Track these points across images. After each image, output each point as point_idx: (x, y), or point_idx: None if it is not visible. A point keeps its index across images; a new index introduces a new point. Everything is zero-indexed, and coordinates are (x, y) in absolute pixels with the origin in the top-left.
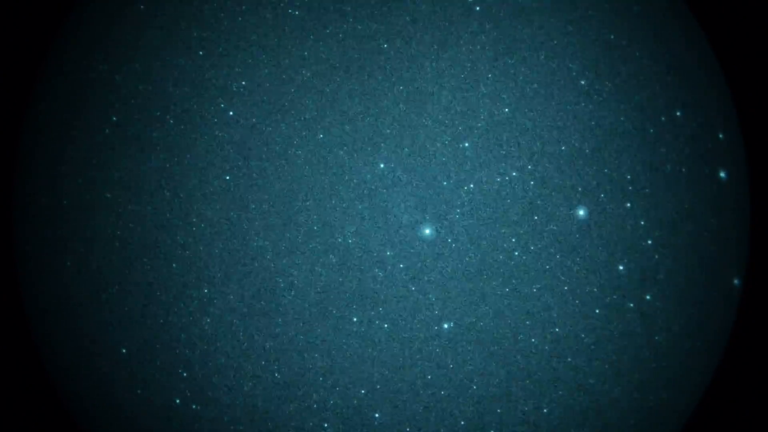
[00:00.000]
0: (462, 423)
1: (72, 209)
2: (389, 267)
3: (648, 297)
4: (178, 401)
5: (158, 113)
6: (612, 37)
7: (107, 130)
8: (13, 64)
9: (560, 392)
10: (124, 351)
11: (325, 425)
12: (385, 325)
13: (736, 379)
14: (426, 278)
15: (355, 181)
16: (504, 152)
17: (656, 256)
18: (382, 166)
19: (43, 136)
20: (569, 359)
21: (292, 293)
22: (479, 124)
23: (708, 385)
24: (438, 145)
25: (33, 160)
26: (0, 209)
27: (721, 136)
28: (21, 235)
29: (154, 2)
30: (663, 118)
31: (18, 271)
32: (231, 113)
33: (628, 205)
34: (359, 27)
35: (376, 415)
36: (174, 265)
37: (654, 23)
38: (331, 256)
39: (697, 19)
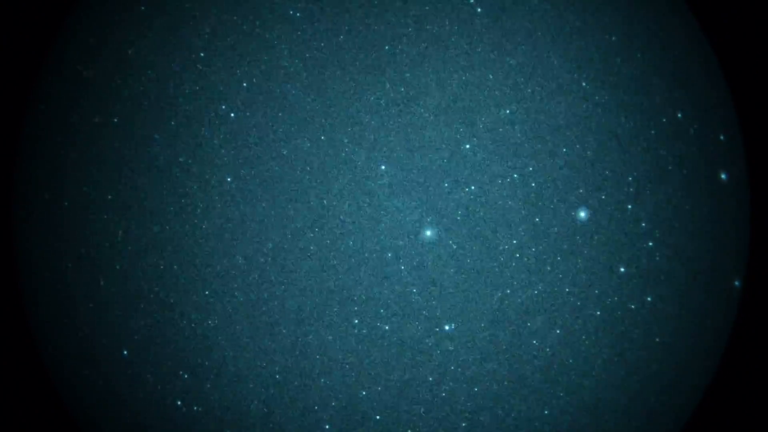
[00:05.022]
0: (463, 425)
1: (72, 209)
2: (390, 269)
3: (649, 299)
4: (179, 403)
5: (158, 114)
6: (613, 38)
7: (107, 131)
8: (13, 64)
9: (561, 394)
10: (125, 353)
11: (327, 427)
12: (386, 327)
13: (736, 380)
14: (427, 280)
15: (356, 183)
16: (505, 154)
17: (657, 258)
18: (383, 168)
19: (43, 136)
20: (570, 361)
21: (293, 295)
22: (480, 126)
23: (708, 386)
24: (439, 147)
25: (33, 160)
26: (0, 209)
27: (722, 137)
28: (21, 235)
29: (155, 3)
30: (664, 120)
31: (18, 271)
32: (232, 115)
33: (630, 206)
34: (360, 28)
35: (377, 417)
36: (175, 266)
37: (655, 25)
38: (332, 258)
39: (698, 20)
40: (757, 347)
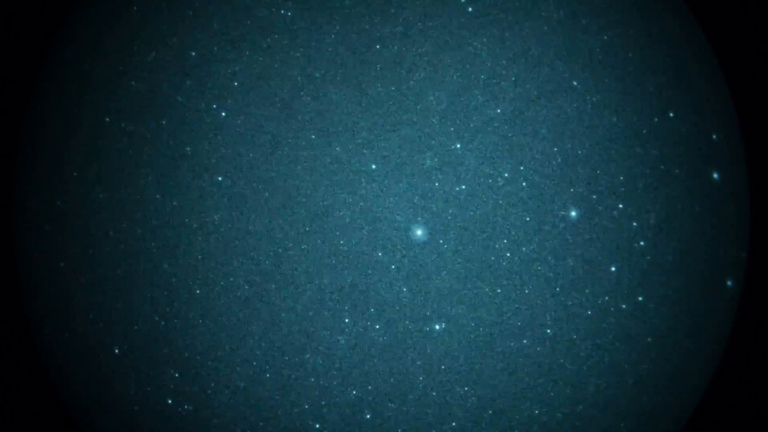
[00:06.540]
0: (453, 424)
1: (71, 210)
2: (381, 268)
3: (640, 298)
4: (170, 401)
5: (153, 115)
6: (605, 38)
7: (106, 131)
8: (13, 64)
9: (552, 393)
10: (116, 351)
11: (317, 425)
12: (377, 326)
13: (732, 381)
14: (418, 279)
15: (347, 182)
16: (496, 154)
17: (648, 258)
18: (374, 167)
19: (42, 137)
20: (561, 361)
21: (284, 294)
22: (471, 126)
23: (705, 388)
24: (430, 146)
25: (33, 160)
26: (0, 209)
27: (714, 137)
28: (21, 235)
29: (148, 4)
30: (656, 119)
31: (18, 271)
32: (223, 114)
33: (621, 206)
34: (353, 28)
35: (368, 416)
36: (166, 265)
37: (647, 24)
38: (323, 257)
39: (696, 19)
40: (755, 349)
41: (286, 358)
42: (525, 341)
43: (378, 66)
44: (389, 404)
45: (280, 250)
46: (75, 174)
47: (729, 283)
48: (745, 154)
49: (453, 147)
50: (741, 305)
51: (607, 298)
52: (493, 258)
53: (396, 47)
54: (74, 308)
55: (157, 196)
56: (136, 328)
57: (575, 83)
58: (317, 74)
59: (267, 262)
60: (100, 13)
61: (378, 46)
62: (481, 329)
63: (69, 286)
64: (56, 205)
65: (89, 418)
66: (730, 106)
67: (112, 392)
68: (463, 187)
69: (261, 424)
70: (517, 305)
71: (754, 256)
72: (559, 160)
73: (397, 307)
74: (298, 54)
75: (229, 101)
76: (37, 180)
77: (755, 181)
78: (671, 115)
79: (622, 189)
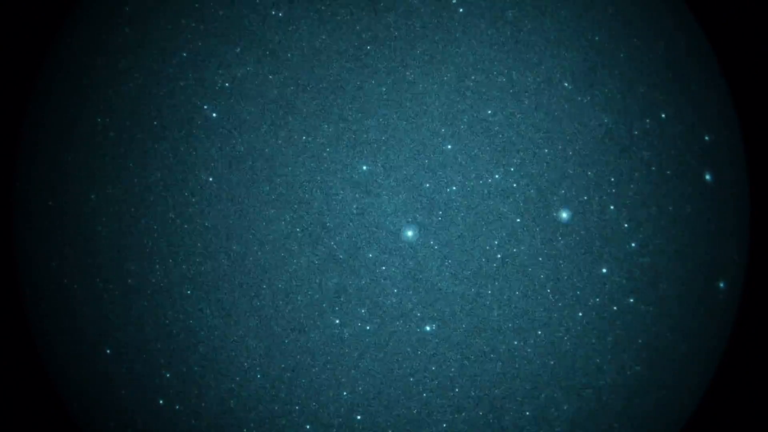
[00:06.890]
0: (444, 426)
1: (71, 210)
2: (372, 269)
3: (631, 300)
4: (161, 402)
5: (151, 115)
6: (596, 38)
7: (105, 132)
8: (13, 64)
9: (543, 395)
10: (108, 351)
11: (307, 427)
12: (368, 327)
13: (731, 383)
14: (408, 280)
15: (338, 183)
16: (487, 154)
17: (639, 259)
18: (365, 168)
19: (42, 137)
20: (552, 362)
21: (274, 295)
22: (462, 127)
23: (703, 389)
24: (421, 147)
25: (33, 160)
26: (0, 209)
27: (707, 138)
28: (21, 235)
29: (144, 4)
30: (648, 120)
31: (18, 271)
32: (214, 115)
33: (612, 207)
34: (343, 30)
35: (358, 417)
36: (157, 265)
37: (639, 24)
38: (313, 258)
39: (695, 18)
40: (754, 350)
41: (278, 359)
42: (516, 342)
43: (369, 67)
44: (380, 405)
45: (269, 252)
46: (74, 174)
47: (722, 284)
48: (745, 155)
49: (444, 148)
50: (740, 306)
51: (597, 299)
52: (484, 259)
53: (387, 48)
54: (74, 308)
55: (155, 197)
56: (129, 328)
57: (566, 84)
58: (308, 76)
59: (259, 264)
60: (100, 14)
61: (369, 47)
62: (471, 330)
63: (69, 286)
64: (56, 205)
65: (88, 417)
66: (728, 106)
67: (110, 392)
68: (454, 188)
69: (252, 424)
70: (507, 307)
71: (753, 257)
72: (551, 161)
73: (388, 308)
74: (289, 55)
75: (222, 102)
76: (37, 180)
77: (755, 182)
78: (663, 116)
79: (613, 190)
